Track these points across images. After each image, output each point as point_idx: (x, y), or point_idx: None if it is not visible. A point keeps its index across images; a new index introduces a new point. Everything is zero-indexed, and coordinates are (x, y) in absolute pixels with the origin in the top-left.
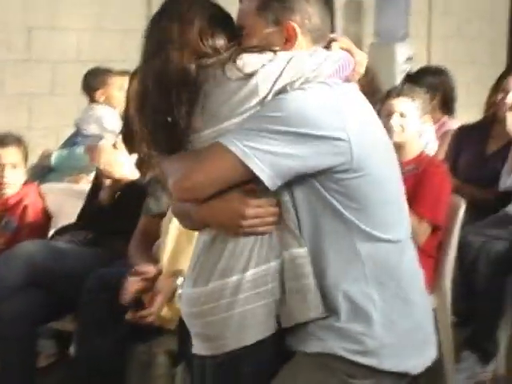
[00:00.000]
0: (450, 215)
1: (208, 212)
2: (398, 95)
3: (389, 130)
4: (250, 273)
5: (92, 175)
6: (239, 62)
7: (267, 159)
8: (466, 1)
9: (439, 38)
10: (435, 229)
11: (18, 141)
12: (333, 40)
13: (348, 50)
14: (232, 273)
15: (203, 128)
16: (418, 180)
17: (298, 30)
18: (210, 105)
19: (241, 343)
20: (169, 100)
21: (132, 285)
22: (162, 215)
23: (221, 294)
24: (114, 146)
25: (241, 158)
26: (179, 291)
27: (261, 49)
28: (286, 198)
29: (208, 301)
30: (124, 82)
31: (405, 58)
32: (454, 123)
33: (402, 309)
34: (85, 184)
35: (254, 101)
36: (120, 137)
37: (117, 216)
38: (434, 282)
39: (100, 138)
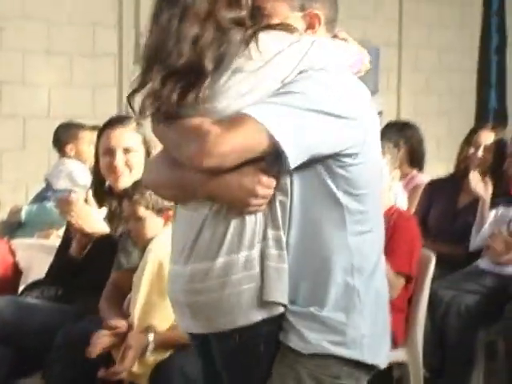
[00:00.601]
0: (420, 269)
1: (218, 185)
2: None
3: None
4: (256, 249)
5: (62, 230)
6: (263, 38)
7: (294, 135)
8: (435, 54)
9: (409, 92)
10: (407, 282)
11: None
12: (336, 35)
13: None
14: (240, 249)
15: (220, 99)
16: (389, 235)
17: (323, 18)
18: (229, 79)
19: (252, 319)
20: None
21: (100, 338)
22: (133, 270)
23: (230, 269)
24: (85, 200)
25: (270, 131)
26: (151, 347)
27: (284, 28)
28: (286, 180)
29: (217, 276)
30: (94, 136)
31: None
32: (423, 177)
33: (377, 301)
34: (55, 239)
35: (277, 79)
36: (90, 191)
37: (87, 271)
38: (405, 335)
39: (70, 191)
